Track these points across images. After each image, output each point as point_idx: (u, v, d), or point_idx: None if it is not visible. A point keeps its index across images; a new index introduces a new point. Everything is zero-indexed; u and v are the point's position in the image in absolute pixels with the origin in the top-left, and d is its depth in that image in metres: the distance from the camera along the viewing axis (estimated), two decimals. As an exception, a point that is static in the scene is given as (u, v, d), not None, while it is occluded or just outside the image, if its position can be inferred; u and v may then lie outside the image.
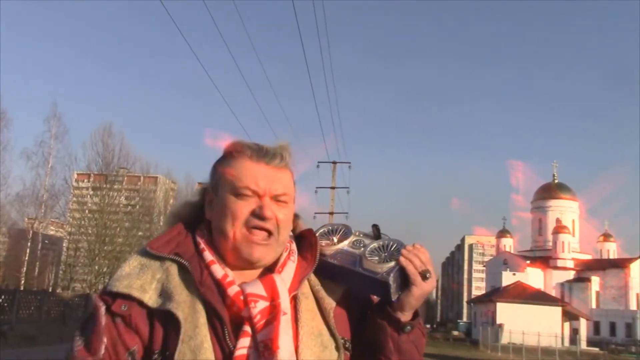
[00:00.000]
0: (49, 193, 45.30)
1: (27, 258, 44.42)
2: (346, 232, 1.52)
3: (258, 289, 1.30)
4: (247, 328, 1.28)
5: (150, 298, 1.30)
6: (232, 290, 1.30)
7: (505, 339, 43.53)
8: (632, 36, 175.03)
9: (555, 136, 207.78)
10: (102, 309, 1.30)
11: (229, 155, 1.40)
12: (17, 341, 19.21)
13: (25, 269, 43.82)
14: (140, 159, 58.23)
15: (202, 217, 1.43)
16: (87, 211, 53.48)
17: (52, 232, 64.77)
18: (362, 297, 1.47)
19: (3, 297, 25.28)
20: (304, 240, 1.47)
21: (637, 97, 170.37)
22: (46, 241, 53.49)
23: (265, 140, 1.40)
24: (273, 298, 1.30)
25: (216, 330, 1.28)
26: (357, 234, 1.52)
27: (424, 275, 1.37)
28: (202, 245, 1.38)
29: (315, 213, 42.25)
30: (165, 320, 1.28)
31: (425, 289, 1.38)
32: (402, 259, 1.38)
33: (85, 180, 64.89)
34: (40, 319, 25.58)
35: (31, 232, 46.37)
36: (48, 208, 46.01)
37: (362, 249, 1.46)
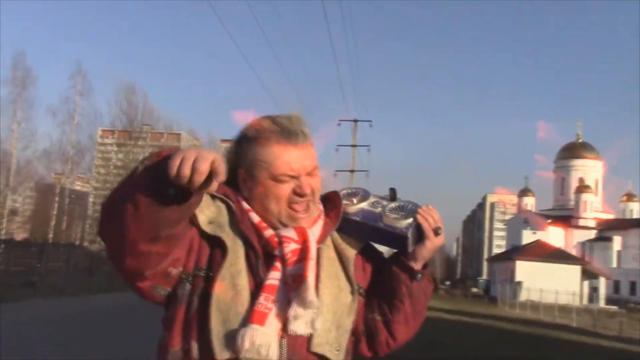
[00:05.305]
0: (75, 149, 46.03)
1: (55, 212, 45.41)
2: (365, 195, 1.71)
3: (291, 233, 1.52)
4: (278, 264, 1.49)
5: (203, 221, 1.50)
6: (268, 233, 1.52)
7: (523, 297, 43.83)
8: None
9: (580, 95, 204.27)
10: None
11: (256, 141, 1.55)
12: (46, 292, 19.70)
13: (53, 223, 44.85)
14: (164, 117, 58.75)
15: (230, 178, 1.57)
16: (112, 167, 54.35)
17: (78, 188, 65.97)
18: (376, 252, 1.71)
19: (33, 249, 26.11)
20: (329, 200, 1.66)
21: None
22: (72, 196, 54.50)
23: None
24: (304, 241, 1.52)
25: (251, 262, 1.50)
26: (375, 196, 1.71)
27: (436, 232, 1.60)
28: (240, 197, 1.57)
29: (336, 171, 42.28)
30: (211, 246, 1.50)
31: (436, 243, 1.61)
32: (418, 216, 1.61)
33: (110, 137, 65.68)
34: (68, 271, 26.27)
35: (59, 187, 47.31)
36: (74, 164, 46.80)
37: (381, 208, 1.66)
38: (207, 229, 1.51)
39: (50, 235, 42.25)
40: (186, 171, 1.25)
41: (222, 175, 1.28)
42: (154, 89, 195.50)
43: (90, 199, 62.54)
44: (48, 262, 25.24)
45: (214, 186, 1.30)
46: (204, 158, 1.26)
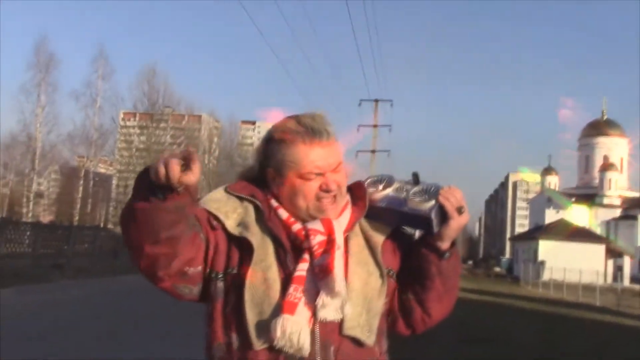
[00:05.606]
0: (98, 132, 46.56)
1: (80, 195, 46.05)
2: (389, 181, 1.78)
3: (318, 225, 1.62)
4: (306, 256, 1.60)
5: (230, 225, 1.63)
6: (296, 227, 1.63)
7: (546, 276, 43.56)
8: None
9: (606, 71, 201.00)
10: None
11: (282, 141, 1.65)
12: (73, 273, 20.13)
13: (79, 205, 45.51)
14: (185, 99, 59.07)
15: (260, 176, 1.73)
16: (134, 149, 54.91)
17: (102, 170, 66.72)
18: (405, 236, 1.79)
19: (59, 232, 26.54)
20: (355, 190, 1.76)
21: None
22: (96, 179, 55.23)
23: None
24: (329, 233, 1.61)
25: (280, 257, 1.60)
26: (399, 181, 1.78)
27: (459, 210, 1.65)
28: (269, 195, 1.68)
29: (358, 151, 42.34)
30: (240, 246, 1.61)
31: (461, 221, 1.66)
32: (440, 197, 1.65)
33: (132, 119, 66.19)
34: (94, 253, 26.71)
35: (83, 170, 47.93)
36: (97, 147, 47.37)
37: (405, 193, 1.72)
38: (235, 231, 1.63)
39: (76, 218, 42.89)
40: (162, 170, 1.41)
41: (194, 164, 1.43)
42: (175, 71, 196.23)
43: (114, 182, 63.20)
44: (74, 244, 25.70)
45: (191, 178, 1.44)
46: (175, 156, 1.43)
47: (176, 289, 1.62)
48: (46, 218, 51.88)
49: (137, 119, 62.42)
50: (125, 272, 20.97)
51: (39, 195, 51.08)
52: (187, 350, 7.97)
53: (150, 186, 1.45)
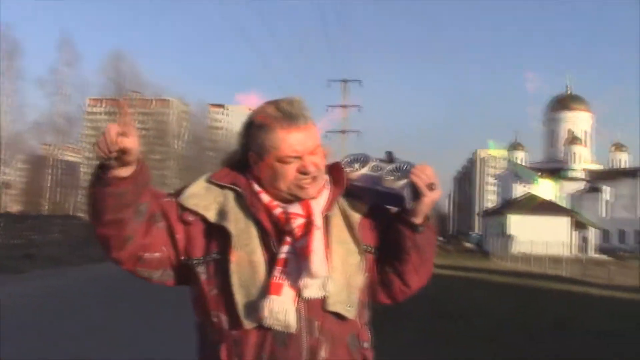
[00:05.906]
0: (65, 120, 45.87)
1: (48, 184, 45.44)
2: (365, 160, 1.88)
3: (297, 209, 1.70)
4: (288, 238, 1.68)
5: (211, 216, 1.71)
6: (277, 211, 1.70)
7: (515, 249, 44.43)
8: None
9: (569, 45, 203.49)
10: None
11: (262, 127, 1.73)
12: (44, 263, 19.90)
13: (47, 194, 44.91)
14: (152, 84, 58.44)
15: (243, 159, 1.82)
16: (101, 136, 54.06)
17: (70, 158, 65.78)
18: (383, 212, 1.85)
19: (29, 221, 26.27)
20: (333, 170, 1.82)
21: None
22: (63, 167, 54.46)
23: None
24: (308, 215, 1.69)
25: (264, 240, 1.69)
26: (374, 160, 1.87)
27: (430, 187, 1.72)
28: (252, 180, 1.76)
29: (327, 132, 42.41)
30: (221, 233, 1.69)
31: (432, 197, 1.74)
32: (412, 175, 1.74)
33: (98, 105, 65.32)
34: (65, 242, 26.46)
35: (51, 159, 47.26)
36: (64, 135, 46.69)
37: (380, 171, 1.81)
38: (214, 219, 1.72)
39: (46, 207, 42.36)
40: (101, 139, 1.53)
41: (131, 131, 1.53)
42: (143, 56, 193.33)
43: (82, 170, 62.46)
44: (45, 233, 25.44)
45: (127, 142, 1.52)
46: (114, 126, 1.54)
47: (138, 272, 1.72)
48: (14, 208, 51.11)
49: (103, 105, 61.66)
50: (97, 260, 20.88)
51: (7, 185, 50.21)
52: (166, 339, 8.10)
53: (98, 174, 1.59)
